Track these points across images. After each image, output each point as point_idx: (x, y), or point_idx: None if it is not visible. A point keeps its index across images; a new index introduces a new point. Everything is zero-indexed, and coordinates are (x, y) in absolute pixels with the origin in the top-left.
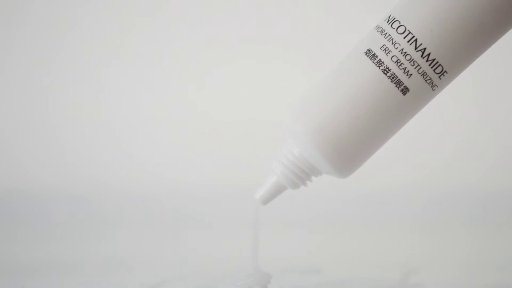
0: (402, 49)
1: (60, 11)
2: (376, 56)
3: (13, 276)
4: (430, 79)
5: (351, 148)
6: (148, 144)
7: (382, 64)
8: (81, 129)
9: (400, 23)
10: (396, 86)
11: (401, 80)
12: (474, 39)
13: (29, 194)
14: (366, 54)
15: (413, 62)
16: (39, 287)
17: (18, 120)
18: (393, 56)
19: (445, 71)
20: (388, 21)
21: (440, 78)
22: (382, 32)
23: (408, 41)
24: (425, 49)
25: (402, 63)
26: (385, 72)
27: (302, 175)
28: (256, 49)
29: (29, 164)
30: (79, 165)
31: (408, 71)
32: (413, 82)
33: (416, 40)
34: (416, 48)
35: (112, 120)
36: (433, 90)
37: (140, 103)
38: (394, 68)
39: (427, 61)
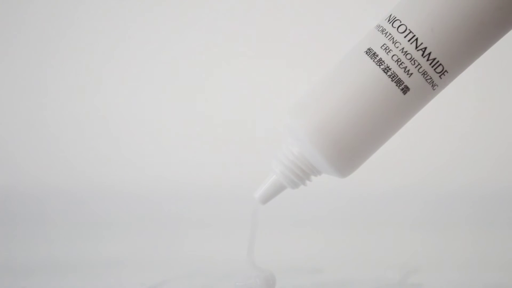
0: (403, 48)
1: (60, 10)
2: (377, 55)
3: (13, 276)
4: (431, 78)
5: (350, 147)
6: (148, 144)
7: (383, 63)
8: (81, 129)
9: (401, 22)
10: (396, 85)
11: (402, 79)
12: (475, 39)
13: (28, 194)
14: (366, 53)
15: (414, 61)
16: (39, 287)
17: (18, 120)
18: (393, 55)
19: (446, 71)
20: (389, 20)
21: (441, 78)
22: (382, 31)
23: (408, 40)
24: (425, 48)
25: (402, 62)
26: (386, 71)
27: (302, 174)
28: (255, 49)
29: (28, 164)
30: (79, 165)
31: (408, 70)
32: (414, 81)
33: (416, 39)
34: (416, 47)
35: (112, 120)
36: (434, 89)
37: (140, 103)
38: (394, 67)
39: (427, 60)
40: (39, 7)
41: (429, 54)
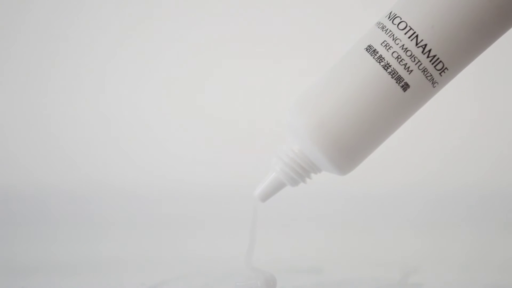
0: (403, 45)
1: (61, 10)
2: (377, 52)
3: (13, 276)
4: (431, 75)
5: (350, 144)
6: (148, 144)
7: (383, 60)
8: (81, 128)
9: (401, 19)
10: (396, 82)
11: (402, 76)
12: (475, 36)
13: (29, 194)
14: (366, 50)
15: (414, 58)
16: (39, 287)
17: (18, 120)
18: (393, 52)
19: (446, 68)
20: (389, 18)
21: (441, 75)
22: (383, 28)
23: (409, 37)
24: (426, 45)
25: (402, 59)
26: (386, 68)
27: (302, 172)
28: (255, 49)
29: (29, 164)
30: (79, 165)
31: (408, 67)
32: (414, 78)
33: (417, 36)
34: (417, 44)
35: (112, 119)
36: (434, 87)
37: (140, 103)
38: (394, 64)
39: (427, 57)
40: (40, 6)
41: (430, 51)
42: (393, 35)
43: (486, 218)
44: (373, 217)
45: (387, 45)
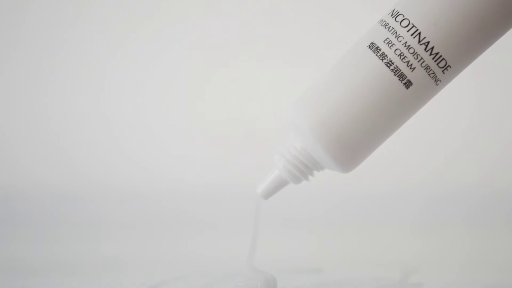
0: (406, 43)
1: (61, 10)
2: (379, 49)
3: (13, 276)
4: (434, 73)
5: (353, 141)
6: (148, 144)
7: (385, 57)
8: (81, 129)
9: (404, 16)
10: (399, 79)
11: (404, 73)
12: (478, 34)
13: (29, 194)
14: (369, 47)
15: (417, 55)
16: (39, 287)
17: (18, 120)
18: (396, 49)
19: (449, 66)
20: (392, 15)
21: (444, 73)
22: (385, 25)
23: (411, 35)
24: (428, 42)
25: (405, 57)
26: (388, 65)
27: (304, 169)
28: (255, 49)
29: (29, 164)
30: (79, 165)
31: (411, 65)
32: (417, 75)
33: (419, 33)
34: (419, 42)
35: (112, 120)
36: (437, 84)
37: (140, 103)
38: (397, 61)
39: (430, 54)
40: (40, 6)
41: (432, 48)
42: (396, 32)
43: (486, 218)
44: (373, 217)
45: (390, 42)
